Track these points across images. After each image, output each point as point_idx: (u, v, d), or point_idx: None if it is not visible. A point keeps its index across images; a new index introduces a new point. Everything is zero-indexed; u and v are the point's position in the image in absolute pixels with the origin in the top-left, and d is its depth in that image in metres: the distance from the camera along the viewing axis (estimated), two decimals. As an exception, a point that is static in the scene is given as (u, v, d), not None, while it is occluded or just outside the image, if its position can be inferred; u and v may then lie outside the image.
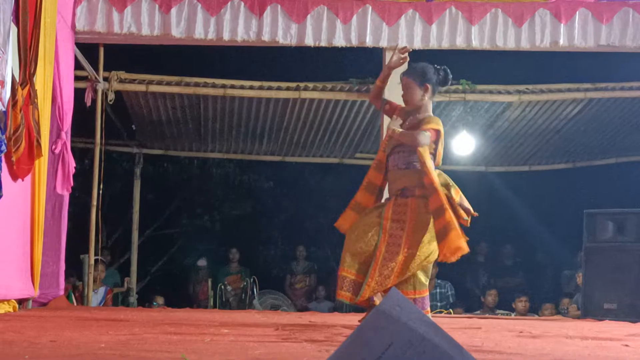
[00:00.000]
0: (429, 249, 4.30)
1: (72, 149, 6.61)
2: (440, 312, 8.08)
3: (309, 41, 6.82)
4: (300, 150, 10.17)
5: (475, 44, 6.91)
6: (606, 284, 6.41)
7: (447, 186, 4.31)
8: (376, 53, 7.04)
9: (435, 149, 4.38)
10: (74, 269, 8.18)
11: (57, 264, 6.48)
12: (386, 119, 5.18)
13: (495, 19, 6.92)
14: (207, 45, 7.01)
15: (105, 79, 7.72)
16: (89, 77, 7.51)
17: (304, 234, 11.30)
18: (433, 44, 6.85)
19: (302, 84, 8.13)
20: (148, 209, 10.68)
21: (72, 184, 6.44)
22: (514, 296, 8.81)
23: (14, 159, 4.94)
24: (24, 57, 4.99)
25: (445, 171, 4.50)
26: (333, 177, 11.51)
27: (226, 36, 6.78)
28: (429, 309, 4.38)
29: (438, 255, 4.30)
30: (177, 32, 6.78)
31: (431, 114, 4.47)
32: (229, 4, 6.82)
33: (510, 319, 6.87)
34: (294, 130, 9.34)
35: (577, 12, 6.93)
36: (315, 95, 8.18)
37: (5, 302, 5.18)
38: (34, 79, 5.23)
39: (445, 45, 6.88)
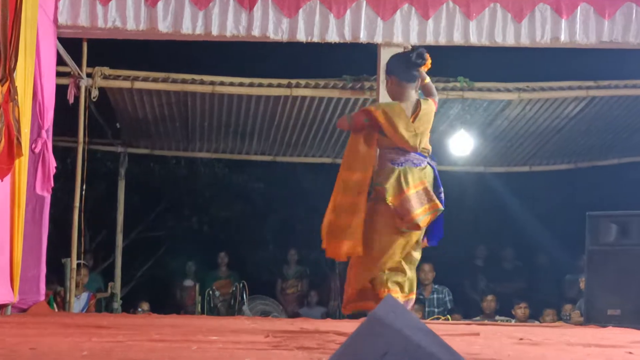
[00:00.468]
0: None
1: (54, 148, 6.58)
2: (438, 318, 8.09)
3: (301, 36, 6.82)
4: (292, 149, 10.17)
5: (474, 39, 6.92)
6: (610, 289, 6.42)
7: (398, 183, 4.30)
8: (371, 49, 7.04)
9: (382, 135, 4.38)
10: (56, 273, 8.15)
11: (37, 268, 6.45)
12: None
13: (494, 14, 6.93)
14: (194, 40, 7.00)
15: (89, 75, 7.70)
16: (72, 73, 7.50)
17: (295, 237, 11.30)
18: (430, 40, 6.85)
19: (293, 81, 8.13)
20: (133, 210, 10.65)
21: (52, 185, 6.42)
22: (513, 301, 8.82)
23: (-8, 158, 4.92)
24: (3, 52, 4.98)
25: (442, 172, 4.51)
26: (326, 177, 11.47)
27: (215, 31, 6.77)
28: None
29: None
30: (164, 26, 6.77)
31: (390, 100, 4.47)
32: (218, -3, 6.81)
33: (510, 326, 6.88)
34: (286, 129, 9.33)
35: (579, 7, 6.95)
36: (308, 92, 8.18)
37: (-16, 308, 5.16)
38: (14, 74, 5.21)
39: (443, 41, 6.89)
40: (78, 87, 7.54)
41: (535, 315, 8.79)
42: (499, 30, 6.94)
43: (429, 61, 4.42)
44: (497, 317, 8.65)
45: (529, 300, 8.96)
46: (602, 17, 6.98)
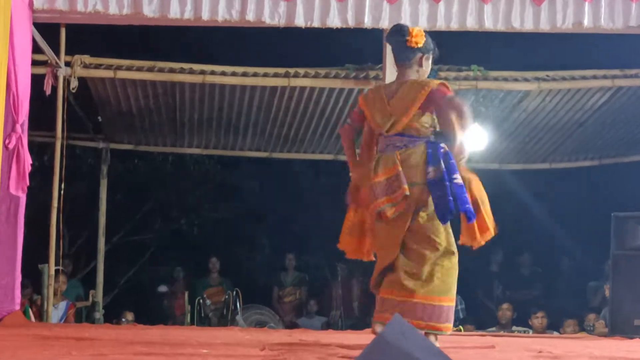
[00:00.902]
0: None
1: (29, 143, 6.58)
2: (449, 329, 8.08)
3: (300, 21, 6.81)
4: (290, 145, 10.17)
5: (489, 24, 6.91)
6: (637, 297, 6.42)
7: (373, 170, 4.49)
8: (376, 35, 7.04)
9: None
10: (32, 280, 8.15)
11: (12, 274, 6.45)
12: None
13: (511, -3, 6.92)
14: (183, 25, 6.98)
15: (68, 64, 7.69)
16: (49, 61, 7.49)
17: (294, 240, 11.31)
18: (440, 25, 6.84)
19: (292, 70, 8.12)
20: (116, 211, 10.66)
21: (28, 184, 6.42)
22: (531, 311, 8.83)
23: (-38, 155, 4.91)
24: (-26, 38, 4.97)
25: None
26: (326, 175, 11.51)
27: (205, 15, 6.76)
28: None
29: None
30: (150, 10, 6.75)
31: None
32: (209, -22, 6.79)
33: (528, 337, 6.88)
34: (283, 123, 9.33)
35: (604, -11, 6.94)
36: (307, 82, 8.18)
37: (-47, 319, 5.15)
38: (-14, 63, 5.21)
39: (455, 26, 6.88)
40: (56, 77, 7.53)
41: (554, 326, 8.80)
42: (516, 15, 6.93)
43: (412, 37, 4.43)
44: (514, 328, 8.66)
45: (548, 309, 8.96)
46: (629, -1, 6.97)
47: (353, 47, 8.63)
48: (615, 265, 6.61)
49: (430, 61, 4.49)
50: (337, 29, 6.88)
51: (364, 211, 4.47)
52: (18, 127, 6.31)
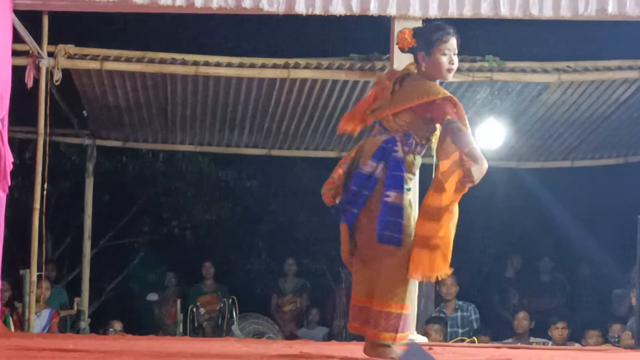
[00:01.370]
0: None
1: (10, 140, 6.60)
2: (463, 340, 8.10)
3: (300, 8, 6.81)
4: (290, 141, 10.18)
5: (505, 11, 6.91)
6: (665, 306, 6.44)
7: None
8: (383, 23, 7.05)
9: None
10: (12, 286, 8.18)
11: (-9, 281, 6.47)
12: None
13: (528, -19, 6.92)
14: (175, 13, 7.01)
15: (51, 55, 7.70)
16: (31, 52, 7.50)
17: (294, 244, 11.35)
18: (452, 12, 6.84)
19: (292, 61, 8.13)
20: (103, 213, 10.68)
21: (9, 183, 6.44)
22: (551, 320, 8.84)
23: (-62, 152, 4.93)
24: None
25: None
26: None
27: (199, 2, 6.76)
28: None
29: None
30: (139, -4, 6.77)
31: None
32: (202, -38, 6.81)
33: (547, 349, 6.91)
34: (283, 118, 9.35)
35: (630, -27, 6.94)
36: (309, 74, 8.19)
37: None
38: (-37, 54, 5.23)
39: (468, 13, 6.88)
40: (38, 69, 7.55)
41: (576, 337, 8.80)
42: (534, 1, 6.93)
43: (400, 43, 4.48)
44: (532, 339, 8.67)
45: (570, 319, 8.97)
46: (657, -16, 6.98)
47: (358, 36, 8.67)
48: (641, 272, 6.63)
49: (431, 55, 4.43)
50: (340, 16, 6.90)
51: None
52: (-3, 122, 6.34)
